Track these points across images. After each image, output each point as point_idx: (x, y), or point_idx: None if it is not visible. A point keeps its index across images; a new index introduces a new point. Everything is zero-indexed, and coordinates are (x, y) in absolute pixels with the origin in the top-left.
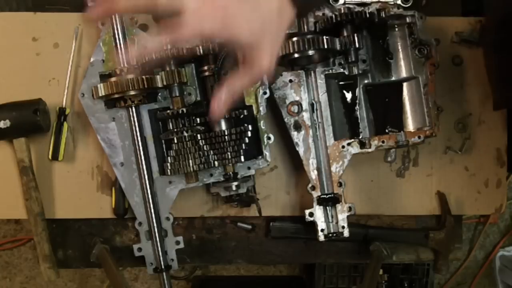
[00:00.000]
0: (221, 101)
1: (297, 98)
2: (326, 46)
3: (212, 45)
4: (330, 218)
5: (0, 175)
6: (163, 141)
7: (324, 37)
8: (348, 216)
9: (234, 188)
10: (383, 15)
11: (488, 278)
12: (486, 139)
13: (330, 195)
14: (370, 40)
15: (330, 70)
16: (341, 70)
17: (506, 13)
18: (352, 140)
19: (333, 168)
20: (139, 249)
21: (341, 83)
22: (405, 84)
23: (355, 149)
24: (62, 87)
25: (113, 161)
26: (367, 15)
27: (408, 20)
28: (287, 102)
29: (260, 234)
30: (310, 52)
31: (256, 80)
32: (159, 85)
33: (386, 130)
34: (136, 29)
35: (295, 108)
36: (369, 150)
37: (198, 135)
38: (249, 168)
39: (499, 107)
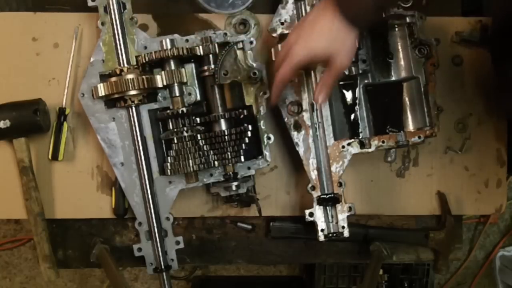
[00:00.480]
0: (321, 91)
1: (297, 98)
2: None
3: (212, 46)
4: (330, 218)
5: (0, 175)
6: (163, 141)
7: None
8: (348, 216)
9: (234, 188)
10: (383, 15)
11: (488, 278)
12: (486, 139)
13: (330, 195)
14: (370, 40)
15: None
16: None
17: (504, 25)
18: (352, 140)
19: (333, 168)
20: (139, 249)
21: (341, 83)
22: (405, 84)
23: (355, 149)
24: (62, 87)
25: (113, 161)
26: None
27: (408, 20)
28: (287, 102)
29: (260, 234)
30: None
31: (338, 75)
32: (159, 85)
33: (386, 130)
34: (136, 29)
35: (295, 108)
36: (369, 150)
37: (198, 135)
38: (249, 168)
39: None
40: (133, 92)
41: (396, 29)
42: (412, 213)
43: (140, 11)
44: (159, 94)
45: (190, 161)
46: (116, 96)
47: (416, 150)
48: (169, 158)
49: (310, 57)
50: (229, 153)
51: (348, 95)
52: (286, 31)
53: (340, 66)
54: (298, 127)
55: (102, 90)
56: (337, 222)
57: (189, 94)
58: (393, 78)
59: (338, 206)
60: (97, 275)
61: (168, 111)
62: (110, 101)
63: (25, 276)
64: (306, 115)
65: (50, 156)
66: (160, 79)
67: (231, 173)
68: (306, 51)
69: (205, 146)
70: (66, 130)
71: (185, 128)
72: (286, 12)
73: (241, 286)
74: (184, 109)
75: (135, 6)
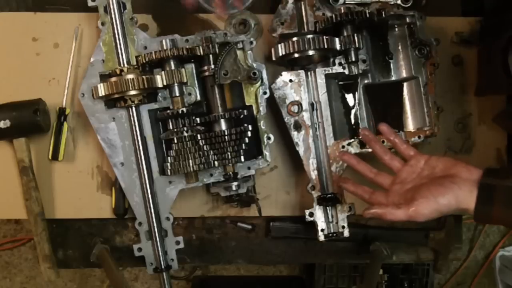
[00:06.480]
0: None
1: (297, 98)
2: (326, 46)
3: (212, 46)
4: (330, 218)
5: (0, 175)
6: (163, 141)
7: (324, 37)
8: (348, 216)
9: (234, 188)
10: (383, 15)
11: (488, 278)
12: (486, 139)
13: (330, 195)
14: (370, 40)
15: (330, 70)
16: (341, 70)
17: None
18: (352, 140)
19: (333, 168)
20: (139, 249)
21: (341, 83)
22: (405, 84)
23: (355, 149)
24: (62, 87)
25: (113, 161)
26: (367, 15)
27: (408, 20)
28: (287, 102)
29: (260, 234)
30: (310, 52)
31: None
32: (159, 85)
33: None
34: (136, 29)
35: (295, 108)
36: (369, 150)
37: (198, 135)
38: (249, 168)
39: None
40: (133, 92)
41: (396, 29)
42: None
43: (140, 11)
44: (159, 94)
45: (190, 161)
46: (116, 96)
47: None
48: (169, 158)
49: None
50: (229, 153)
51: (348, 95)
52: (286, 31)
53: None
54: (298, 127)
55: (102, 90)
56: (337, 222)
57: (189, 94)
58: (393, 78)
59: (338, 206)
60: (97, 275)
61: (168, 111)
62: (110, 101)
63: (25, 276)
64: (306, 115)
65: (50, 156)
66: (160, 79)
67: (231, 173)
68: None
69: (205, 146)
70: (66, 130)
71: (185, 128)
72: (286, 12)
73: (241, 286)
74: (184, 109)
75: (135, 6)
